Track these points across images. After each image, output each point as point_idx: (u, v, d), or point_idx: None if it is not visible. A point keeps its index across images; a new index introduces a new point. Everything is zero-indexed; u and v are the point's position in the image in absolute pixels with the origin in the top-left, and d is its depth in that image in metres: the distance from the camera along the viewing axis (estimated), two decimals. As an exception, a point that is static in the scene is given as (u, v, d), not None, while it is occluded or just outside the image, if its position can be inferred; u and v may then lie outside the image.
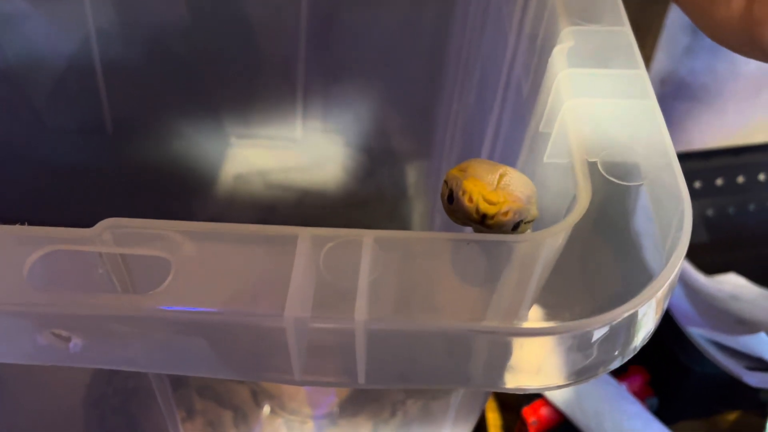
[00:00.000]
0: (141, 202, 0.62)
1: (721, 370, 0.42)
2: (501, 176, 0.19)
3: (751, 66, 0.67)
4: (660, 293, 0.17)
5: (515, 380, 0.19)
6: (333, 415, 0.46)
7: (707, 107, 0.71)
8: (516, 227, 0.20)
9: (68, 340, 0.16)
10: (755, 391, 0.43)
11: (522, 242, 0.18)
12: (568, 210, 0.20)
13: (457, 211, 0.20)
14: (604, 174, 0.20)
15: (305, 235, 0.17)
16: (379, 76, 0.56)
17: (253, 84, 0.57)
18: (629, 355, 0.19)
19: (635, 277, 0.18)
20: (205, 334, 0.17)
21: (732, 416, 0.47)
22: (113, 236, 0.17)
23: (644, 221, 0.19)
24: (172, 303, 0.16)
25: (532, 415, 0.45)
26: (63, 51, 0.54)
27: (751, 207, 0.57)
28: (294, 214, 0.64)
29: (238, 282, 0.16)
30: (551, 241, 0.18)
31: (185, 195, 0.62)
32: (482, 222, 0.19)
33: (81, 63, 0.54)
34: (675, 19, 0.65)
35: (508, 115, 0.33)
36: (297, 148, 0.61)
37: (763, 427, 0.45)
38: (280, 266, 0.17)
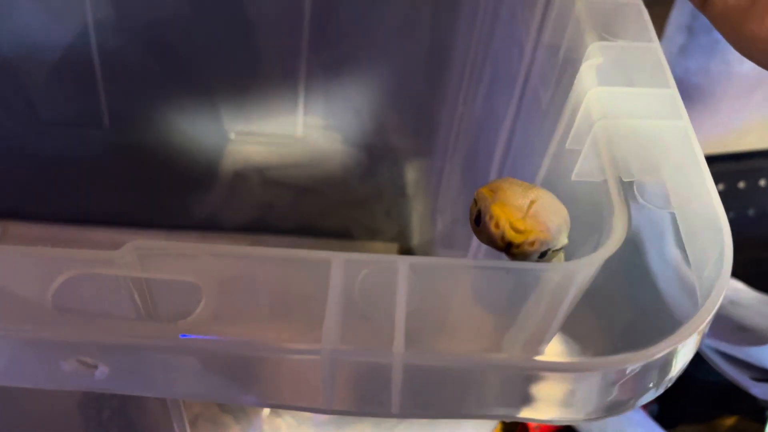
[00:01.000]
0: (137, 198, 0.62)
1: (722, 376, 0.42)
2: (532, 203, 0.19)
3: (744, 67, 0.68)
4: (701, 327, 0.17)
5: (543, 413, 0.19)
6: (334, 420, 0.45)
7: (700, 107, 0.71)
8: (543, 255, 0.19)
9: (95, 367, 0.16)
10: (753, 397, 0.44)
11: (559, 272, 0.18)
12: (602, 235, 0.19)
13: (482, 234, 0.19)
14: (639, 198, 0.19)
15: (339, 261, 0.17)
16: (381, 74, 0.56)
17: (254, 80, 0.56)
18: (664, 388, 0.19)
19: (672, 310, 0.18)
20: (235, 363, 0.16)
21: (730, 421, 0.47)
22: (140, 259, 0.16)
23: (678, 249, 0.19)
24: (204, 332, 0.15)
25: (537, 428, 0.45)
26: (60, 42, 0.53)
27: (751, 212, 0.57)
28: (292, 212, 0.63)
29: (270, 310, 0.16)
30: (586, 271, 0.18)
31: (182, 190, 0.62)
32: (507, 250, 0.19)
33: (78, 55, 0.53)
34: (672, 18, 0.65)
35: (524, 125, 0.33)
36: (296, 145, 0.60)
37: (761, 433, 0.45)
38: (314, 294, 0.16)
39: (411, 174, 0.62)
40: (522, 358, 0.17)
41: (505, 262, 0.18)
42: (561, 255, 0.20)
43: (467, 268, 0.18)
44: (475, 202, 0.20)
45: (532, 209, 0.19)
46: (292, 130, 0.59)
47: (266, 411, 0.45)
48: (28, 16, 0.52)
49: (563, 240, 0.19)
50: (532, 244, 0.18)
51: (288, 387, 0.17)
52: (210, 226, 0.63)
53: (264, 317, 0.16)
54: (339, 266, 0.17)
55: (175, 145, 0.59)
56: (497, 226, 0.19)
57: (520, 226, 0.19)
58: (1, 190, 0.60)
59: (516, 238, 0.18)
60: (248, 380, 0.17)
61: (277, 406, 0.17)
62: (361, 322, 0.16)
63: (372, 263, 0.17)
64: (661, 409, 0.46)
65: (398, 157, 0.61)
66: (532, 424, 0.46)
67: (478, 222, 0.19)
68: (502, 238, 0.19)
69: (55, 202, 0.61)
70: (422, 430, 0.39)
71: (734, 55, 0.60)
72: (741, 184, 0.56)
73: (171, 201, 0.61)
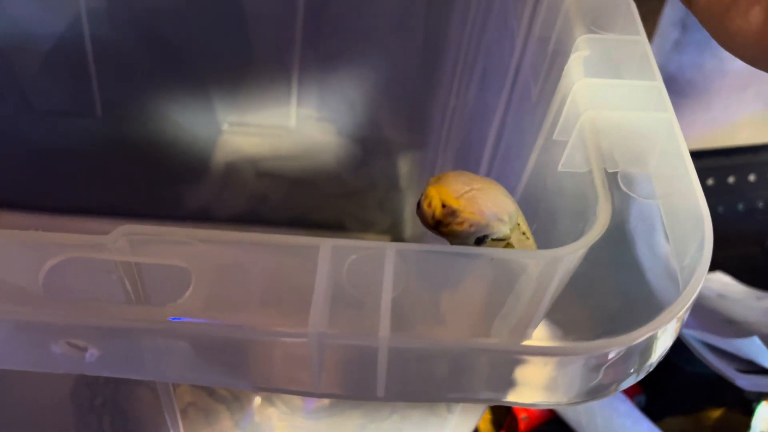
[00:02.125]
0: (128, 188, 0.61)
1: (709, 369, 0.42)
2: (472, 189, 0.19)
3: (737, 63, 0.68)
4: (681, 314, 0.17)
5: (528, 396, 0.19)
6: (325, 408, 0.46)
7: (693, 103, 0.71)
8: (480, 242, 0.19)
9: (84, 350, 0.16)
10: (739, 389, 0.44)
11: (544, 259, 0.18)
12: (586, 224, 0.20)
13: (420, 216, 0.19)
14: (623, 188, 0.20)
15: (326, 246, 0.17)
16: (374, 66, 0.56)
17: (248, 71, 0.56)
18: (645, 373, 0.19)
19: (653, 296, 0.18)
20: (224, 346, 0.16)
21: (716, 413, 0.48)
22: (130, 244, 0.17)
23: (662, 238, 0.19)
24: (194, 315, 0.16)
25: (522, 411, 0.46)
26: (52, 31, 0.53)
27: (740, 207, 0.58)
28: (285, 203, 0.63)
29: (259, 294, 0.16)
30: (570, 258, 0.18)
31: (174, 181, 0.62)
32: (437, 228, 0.19)
33: (71, 44, 0.53)
34: (666, 13, 0.66)
35: (514, 117, 0.33)
36: (289, 136, 0.60)
37: (747, 425, 0.46)
38: (302, 279, 0.16)
39: (404, 166, 0.62)
40: (507, 342, 0.17)
41: (491, 249, 0.18)
42: (509, 246, 0.20)
43: (453, 255, 0.18)
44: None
45: (469, 194, 0.19)
46: (285, 122, 0.59)
47: (258, 400, 0.45)
48: (20, 5, 0.52)
49: (503, 230, 0.19)
50: (461, 223, 0.18)
51: (276, 371, 0.17)
52: (202, 217, 0.63)
53: (253, 302, 0.16)
54: (327, 252, 0.17)
55: (167, 136, 0.59)
56: (429, 205, 0.19)
57: (453, 204, 0.18)
58: (-7, 178, 0.60)
59: (445, 217, 0.18)
60: (237, 364, 0.17)
61: (266, 390, 0.17)
62: (348, 306, 0.16)
63: (359, 249, 0.17)
64: (648, 401, 0.46)
65: (391, 150, 0.61)
66: (520, 415, 0.46)
67: (419, 206, 0.19)
68: (433, 216, 0.18)
69: (46, 192, 0.61)
70: (413, 423, 0.39)
71: (727, 52, 0.61)
72: (731, 179, 0.57)
73: (163, 192, 0.61)
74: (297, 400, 0.46)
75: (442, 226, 0.19)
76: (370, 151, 0.61)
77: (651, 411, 0.45)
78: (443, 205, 0.18)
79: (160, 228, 0.17)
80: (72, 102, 0.57)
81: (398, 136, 0.60)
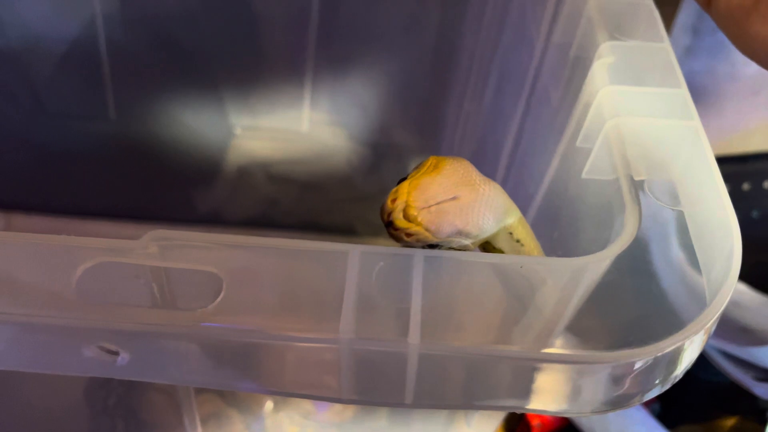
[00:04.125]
0: (140, 191, 0.62)
1: (724, 376, 0.42)
2: (450, 199, 0.18)
3: (750, 68, 0.68)
4: (708, 325, 0.17)
5: (553, 404, 0.19)
6: (336, 414, 0.46)
7: (705, 108, 0.71)
8: (432, 247, 0.19)
9: (116, 354, 0.16)
10: (754, 398, 0.44)
11: (570, 268, 0.18)
12: (611, 232, 0.20)
13: (381, 206, 0.19)
14: (650, 196, 0.20)
15: (355, 252, 0.17)
16: (387, 71, 0.56)
17: (261, 75, 0.57)
18: (670, 384, 0.19)
19: (679, 307, 0.18)
20: (254, 351, 0.16)
21: (730, 421, 0.48)
22: (160, 249, 0.17)
23: (688, 248, 0.19)
24: (225, 321, 0.16)
25: (536, 418, 0.46)
26: (67, 34, 0.53)
27: (755, 214, 0.57)
28: (296, 207, 0.64)
29: (289, 300, 0.16)
30: (597, 266, 0.18)
31: (186, 184, 0.62)
32: (386, 225, 0.18)
33: (85, 47, 0.53)
34: (678, 19, 0.65)
35: (533, 122, 0.33)
36: (301, 140, 0.60)
37: (761, 433, 0.45)
38: (332, 285, 0.16)
39: (415, 171, 0.62)
40: (533, 350, 0.17)
41: (519, 258, 0.18)
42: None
43: (481, 263, 0.18)
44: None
45: (441, 206, 0.18)
46: (297, 126, 0.59)
47: (270, 404, 0.45)
48: (36, 7, 0.52)
49: (463, 242, 0.19)
50: (410, 236, 0.18)
51: (305, 376, 0.17)
52: (213, 220, 0.63)
53: (283, 307, 0.16)
54: (355, 258, 0.17)
55: (180, 139, 0.59)
56: (393, 201, 0.18)
57: (413, 213, 0.18)
58: (6, 182, 0.60)
59: (400, 223, 0.18)
60: (265, 369, 0.17)
61: (294, 395, 0.17)
62: (377, 313, 0.16)
63: (388, 256, 0.17)
64: (662, 408, 0.46)
65: (403, 154, 0.61)
66: (533, 422, 0.46)
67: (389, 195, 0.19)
68: (389, 214, 0.18)
69: (59, 195, 0.61)
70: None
71: (740, 57, 0.60)
72: (745, 186, 0.56)
73: (175, 195, 0.62)
74: (308, 404, 0.46)
75: (392, 228, 0.18)
76: (382, 155, 0.61)
77: (666, 419, 0.44)
78: (403, 212, 0.18)
79: (190, 233, 0.17)
80: (86, 105, 0.57)
81: (410, 141, 0.60)
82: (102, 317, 0.15)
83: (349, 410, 0.44)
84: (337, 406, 0.45)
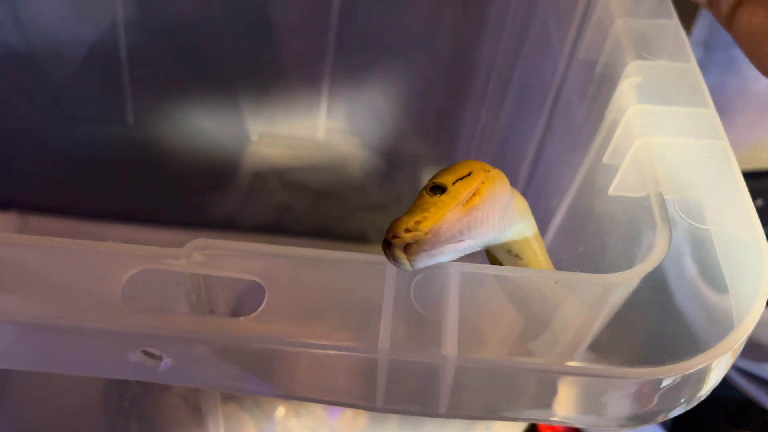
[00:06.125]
0: (155, 195, 0.62)
1: (738, 392, 0.42)
2: (458, 241, 0.18)
3: (761, 84, 0.68)
4: (737, 346, 0.17)
5: (578, 418, 0.19)
6: (348, 420, 0.46)
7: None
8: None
9: (160, 359, 0.16)
10: (765, 413, 0.44)
11: (601, 284, 0.18)
12: (639, 249, 0.20)
13: (393, 222, 0.17)
14: (680, 214, 0.20)
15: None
16: (404, 80, 0.56)
17: (278, 82, 0.57)
18: (695, 403, 0.19)
19: (709, 327, 0.18)
20: (292, 359, 0.17)
21: (741, 436, 0.48)
22: (204, 257, 0.17)
23: (716, 267, 0.19)
24: (268, 330, 0.16)
25: (548, 428, 0.46)
26: (87, 39, 0.54)
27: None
28: (309, 214, 0.64)
29: (328, 310, 0.17)
30: (626, 285, 0.18)
31: (202, 189, 0.62)
32: (385, 243, 0.17)
33: (106, 52, 0.54)
34: (690, 34, 0.66)
35: (555, 136, 0.33)
36: (317, 148, 0.61)
37: (771, 448, 0.45)
38: (370, 296, 0.17)
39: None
40: (562, 363, 0.18)
41: (553, 273, 0.18)
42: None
43: (515, 277, 0.18)
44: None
45: (444, 247, 0.17)
46: (313, 134, 0.60)
47: (281, 410, 0.45)
48: (57, 12, 0.52)
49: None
50: (395, 259, 0.17)
51: (341, 385, 0.18)
52: (227, 225, 0.63)
53: (322, 316, 0.17)
54: (393, 269, 0.17)
55: (196, 145, 0.60)
56: (406, 231, 0.17)
57: (414, 251, 0.17)
58: (24, 183, 0.61)
59: (399, 254, 0.17)
60: (303, 377, 0.17)
61: (329, 403, 0.18)
62: (415, 324, 0.17)
63: (425, 269, 0.17)
64: (674, 423, 0.46)
65: (417, 163, 0.61)
66: (542, 425, 0.46)
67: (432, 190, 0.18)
68: (393, 236, 0.17)
69: (76, 197, 0.62)
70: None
71: (751, 73, 0.60)
72: (759, 202, 0.57)
73: (190, 199, 0.62)
74: (320, 410, 0.46)
75: (386, 248, 0.17)
76: (396, 164, 0.61)
77: (677, 432, 0.45)
78: (418, 229, 0.17)
79: (233, 243, 0.17)
80: (105, 109, 0.58)
81: (425, 150, 0.61)
82: (148, 323, 0.16)
83: (362, 417, 0.45)
84: (349, 413, 0.46)
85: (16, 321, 0.16)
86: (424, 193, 0.18)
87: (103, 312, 0.16)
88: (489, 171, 0.19)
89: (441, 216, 0.17)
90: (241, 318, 0.16)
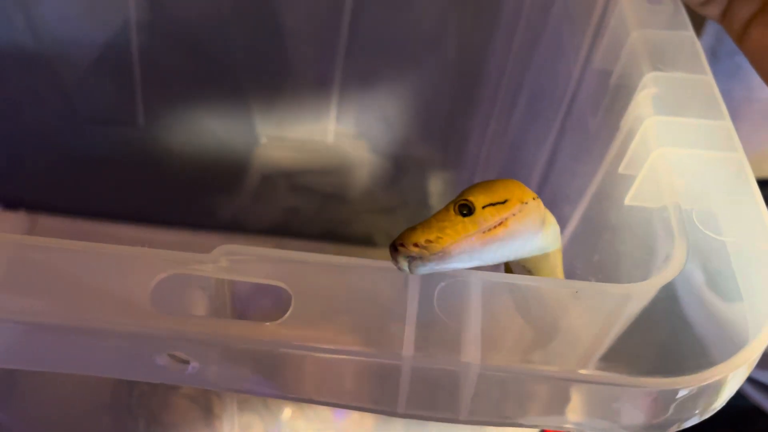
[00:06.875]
0: (164, 195, 0.62)
1: (744, 399, 0.42)
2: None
3: (766, 92, 0.68)
4: (753, 359, 0.18)
5: (593, 425, 0.19)
6: (355, 422, 0.46)
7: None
8: None
9: (187, 363, 0.17)
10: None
11: (618, 293, 0.18)
12: (656, 260, 0.20)
13: (406, 231, 0.17)
14: (696, 225, 0.20)
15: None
16: (414, 86, 0.57)
17: (289, 86, 0.57)
18: (708, 414, 0.19)
19: (725, 338, 0.18)
20: (316, 364, 0.17)
21: (746, 444, 0.48)
22: (230, 263, 0.17)
23: (732, 278, 0.19)
24: (294, 335, 0.16)
25: (554, 434, 0.46)
26: (99, 40, 0.54)
27: (773, 239, 0.58)
28: (316, 217, 0.64)
29: (353, 316, 0.17)
30: (643, 295, 0.19)
31: (210, 191, 0.63)
32: (392, 246, 0.17)
33: (117, 54, 0.54)
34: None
35: (568, 145, 0.33)
36: (326, 152, 0.61)
37: (775, 457, 0.46)
38: (394, 303, 0.17)
39: (436, 185, 0.63)
40: (581, 371, 0.18)
41: (573, 282, 0.19)
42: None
43: (536, 287, 0.18)
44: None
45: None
46: (323, 138, 0.60)
47: (288, 411, 0.45)
48: (70, 14, 0.53)
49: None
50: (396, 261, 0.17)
51: (363, 390, 0.18)
52: (235, 227, 0.64)
53: (346, 322, 0.17)
54: (417, 277, 0.18)
55: (206, 147, 0.60)
56: (415, 245, 0.16)
57: (417, 264, 0.17)
58: (33, 183, 0.61)
59: (402, 263, 0.17)
60: (326, 382, 0.18)
61: (352, 408, 0.18)
62: (437, 331, 0.17)
63: (448, 277, 0.18)
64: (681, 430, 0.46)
65: (425, 168, 0.62)
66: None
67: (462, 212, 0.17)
68: (401, 245, 0.17)
69: (85, 198, 0.62)
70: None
71: (756, 81, 0.61)
72: (764, 211, 0.57)
73: (198, 201, 0.62)
74: (327, 412, 0.46)
75: (393, 252, 0.17)
76: (404, 168, 0.62)
77: (683, 439, 0.45)
78: (426, 248, 0.17)
79: (259, 249, 0.18)
80: (115, 111, 0.58)
81: (433, 155, 0.61)
82: (176, 327, 0.16)
83: (368, 418, 0.45)
84: (356, 415, 0.46)
85: (47, 323, 0.16)
86: (451, 207, 0.18)
87: (132, 315, 0.16)
88: (526, 203, 0.19)
89: (455, 240, 0.17)
90: (268, 323, 0.16)
